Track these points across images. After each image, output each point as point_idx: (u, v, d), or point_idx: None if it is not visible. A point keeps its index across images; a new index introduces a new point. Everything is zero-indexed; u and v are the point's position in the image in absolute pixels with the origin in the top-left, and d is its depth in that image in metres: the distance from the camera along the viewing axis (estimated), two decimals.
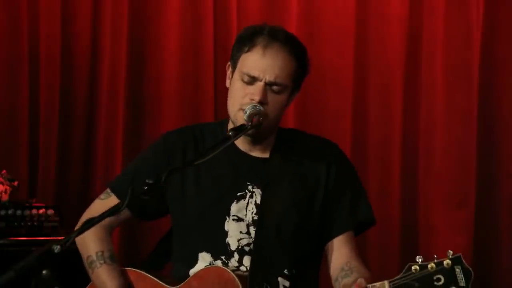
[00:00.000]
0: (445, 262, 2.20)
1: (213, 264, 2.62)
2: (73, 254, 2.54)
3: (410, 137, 4.72)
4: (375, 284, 2.30)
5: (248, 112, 2.54)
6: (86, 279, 2.76)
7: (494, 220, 4.69)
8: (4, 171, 4.12)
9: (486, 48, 4.65)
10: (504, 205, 4.67)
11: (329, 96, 4.73)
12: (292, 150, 2.70)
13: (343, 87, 4.71)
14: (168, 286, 2.64)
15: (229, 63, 2.68)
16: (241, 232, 2.63)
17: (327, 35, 4.71)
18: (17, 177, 4.21)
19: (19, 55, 4.53)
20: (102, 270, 2.69)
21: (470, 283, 2.20)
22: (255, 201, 2.65)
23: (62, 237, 2.08)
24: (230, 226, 2.64)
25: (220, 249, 2.62)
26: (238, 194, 2.65)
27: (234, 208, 2.65)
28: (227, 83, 2.68)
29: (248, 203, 2.65)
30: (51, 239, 3.60)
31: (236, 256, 2.62)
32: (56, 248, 2.02)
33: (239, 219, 2.64)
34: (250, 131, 2.55)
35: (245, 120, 2.54)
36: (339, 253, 2.65)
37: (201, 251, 2.64)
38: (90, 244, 2.72)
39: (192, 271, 2.63)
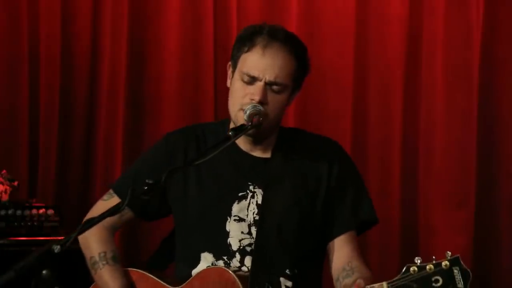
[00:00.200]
0: (443, 264, 2.20)
1: (215, 265, 2.62)
2: (73, 254, 2.53)
3: (410, 137, 4.71)
4: (373, 285, 2.29)
5: (248, 112, 2.54)
6: (86, 279, 2.77)
7: (494, 220, 4.68)
8: (4, 171, 4.12)
9: (486, 48, 4.65)
10: (504, 205, 4.67)
11: (329, 96, 4.72)
12: (294, 149, 2.70)
13: (343, 87, 4.71)
14: (170, 287, 2.64)
15: (229, 63, 2.68)
16: (242, 232, 2.63)
17: (327, 35, 4.71)
18: (17, 177, 4.21)
19: (19, 55, 4.53)
20: (105, 271, 2.69)
21: (468, 284, 2.20)
22: (257, 201, 2.65)
23: (62, 237, 2.08)
24: (231, 226, 2.64)
25: (221, 249, 2.62)
26: (240, 194, 2.65)
27: (236, 208, 2.64)
28: (228, 83, 2.68)
29: (249, 203, 2.65)
30: (51, 239, 3.62)
31: (238, 256, 2.62)
32: (56, 248, 2.02)
33: (241, 219, 2.64)
34: (250, 131, 2.55)
35: (245, 120, 2.54)
36: (341, 252, 2.64)
37: (203, 251, 2.64)
38: (92, 245, 2.72)
39: (194, 271, 2.63)
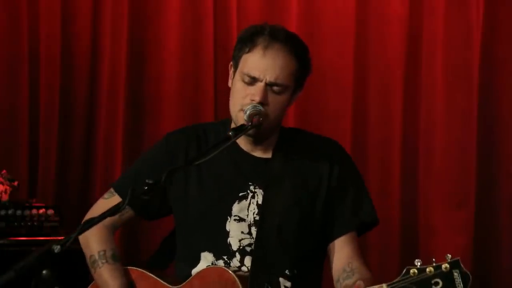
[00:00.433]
0: (443, 266, 2.20)
1: (215, 264, 2.62)
2: (73, 254, 2.53)
3: (410, 137, 4.71)
4: (373, 287, 2.29)
5: (248, 112, 2.54)
6: (87, 279, 2.77)
7: (494, 220, 4.68)
8: (4, 171, 4.12)
9: (486, 48, 4.65)
10: (504, 205, 4.67)
11: (329, 96, 4.73)
12: (294, 149, 2.70)
13: (343, 87, 4.71)
14: (170, 286, 2.64)
15: (231, 63, 2.68)
16: (242, 232, 2.63)
17: (327, 35, 4.71)
18: (17, 177, 4.21)
19: (19, 55, 4.53)
20: (104, 270, 2.69)
21: (468, 287, 2.20)
22: (257, 201, 2.65)
23: (62, 237, 2.08)
24: (232, 226, 2.63)
25: (222, 249, 2.63)
26: (240, 194, 2.65)
27: (236, 208, 2.64)
28: (229, 83, 2.68)
29: (250, 203, 2.65)
30: (51, 239, 3.63)
31: (238, 256, 2.62)
32: (56, 248, 2.02)
33: (241, 219, 2.64)
34: (250, 131, 2.55)
35: (245, 120, 2.54)
36: (341, 253, 2.64)
37: (203, 251, 2.64)
38: (92, 243, 2.73)
39: (194, 271, 2.63)
